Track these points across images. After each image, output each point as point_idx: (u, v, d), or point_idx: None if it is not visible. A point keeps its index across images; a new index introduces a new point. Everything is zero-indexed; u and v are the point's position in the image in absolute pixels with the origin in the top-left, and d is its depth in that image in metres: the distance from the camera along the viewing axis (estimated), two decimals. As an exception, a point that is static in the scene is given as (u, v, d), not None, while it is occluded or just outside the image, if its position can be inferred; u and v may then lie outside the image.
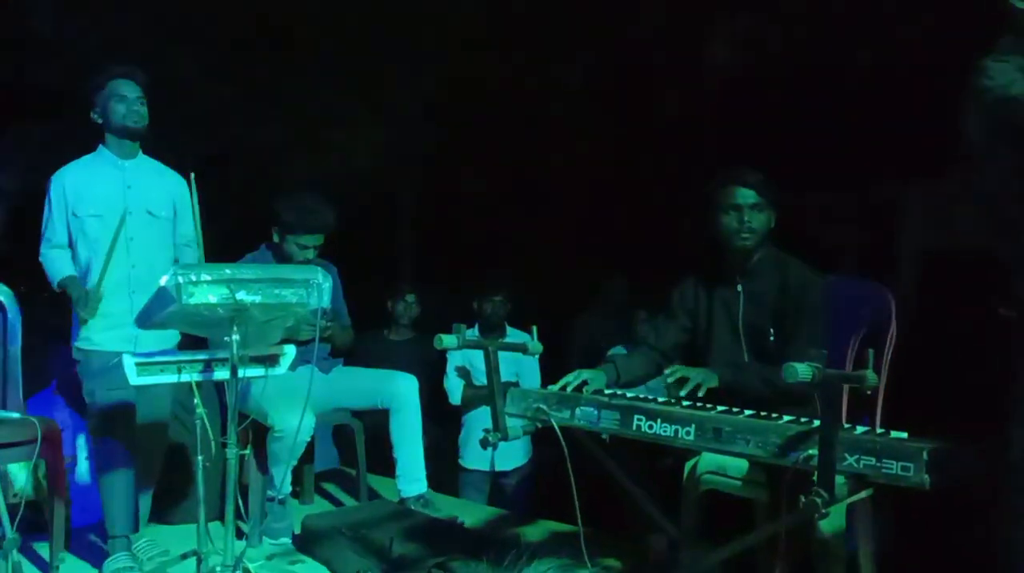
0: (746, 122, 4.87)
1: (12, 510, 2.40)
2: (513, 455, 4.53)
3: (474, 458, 4.54)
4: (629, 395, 2.63)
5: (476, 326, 4.60)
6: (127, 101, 3.19)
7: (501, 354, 2.91)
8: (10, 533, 2.32)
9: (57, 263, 3.18)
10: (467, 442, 4.58)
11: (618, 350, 4.65)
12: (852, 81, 4.54)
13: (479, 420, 4.47)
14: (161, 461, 3.44)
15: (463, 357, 4.56)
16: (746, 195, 2.80)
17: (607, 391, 2.70)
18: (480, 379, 4.54)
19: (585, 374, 2.74)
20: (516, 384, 4.38)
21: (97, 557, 3.28)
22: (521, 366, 4.45)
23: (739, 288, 2.86)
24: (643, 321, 4.51)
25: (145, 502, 3.36)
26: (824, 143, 4.59)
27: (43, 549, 3.24)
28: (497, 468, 4.53)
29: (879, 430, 2.24)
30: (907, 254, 4.32)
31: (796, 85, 4.72)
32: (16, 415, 2.72)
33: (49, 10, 5.09)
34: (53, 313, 3.29)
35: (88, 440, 3.61)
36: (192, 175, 2.97)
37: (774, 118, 4.75)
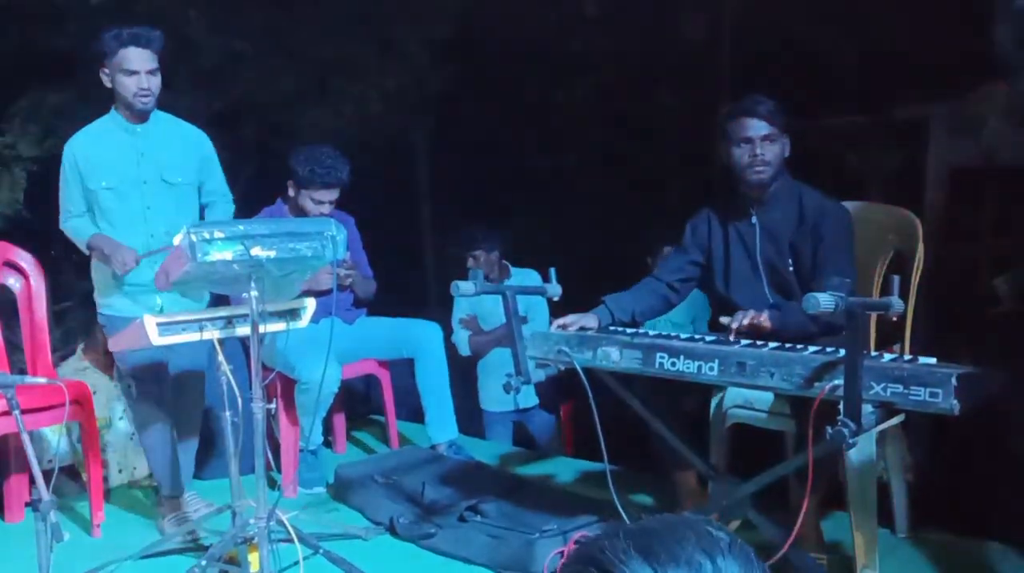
0: (766, 45, 4.73)
1: (47, 474, 2.44)
2: (530, 393, 4.50)
3: (495, 401, 4.53)
4: (652, 333, 2.59)
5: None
6: (137, 76, 2.98)
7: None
8: (46, 496, 2.35)
9: (81, 229, 3.11)
10: (485, 386, 4.56)
11: None
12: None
13: (494, 364, 4.46)
14: (201, 411, 3.43)
15: (469, 306, 4.51)
16: (757, 127, 2.66)
17: (628, 331, 2.66)
18: (489, 323, 4.50)
19: (584, 319, 2.70)
20: (525, 319, 4.32)
21: (136, 515, 3.35)
22: (529, 303, 4.40)
23: (754, 220, 2.77)
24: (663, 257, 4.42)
25: (191, 454, 3.37)
26: (846, 63, 4.45)
27: (84, 509, 3.32)
28: (521, 406, 4.52)
29: (907, 357, 2.19)
30: (935, 173, 4.20)
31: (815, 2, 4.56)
32: (43, 380, 2.74)
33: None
34: (82, 277, 3.27)
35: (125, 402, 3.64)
36: None
37: (793, 39, 4.60)
